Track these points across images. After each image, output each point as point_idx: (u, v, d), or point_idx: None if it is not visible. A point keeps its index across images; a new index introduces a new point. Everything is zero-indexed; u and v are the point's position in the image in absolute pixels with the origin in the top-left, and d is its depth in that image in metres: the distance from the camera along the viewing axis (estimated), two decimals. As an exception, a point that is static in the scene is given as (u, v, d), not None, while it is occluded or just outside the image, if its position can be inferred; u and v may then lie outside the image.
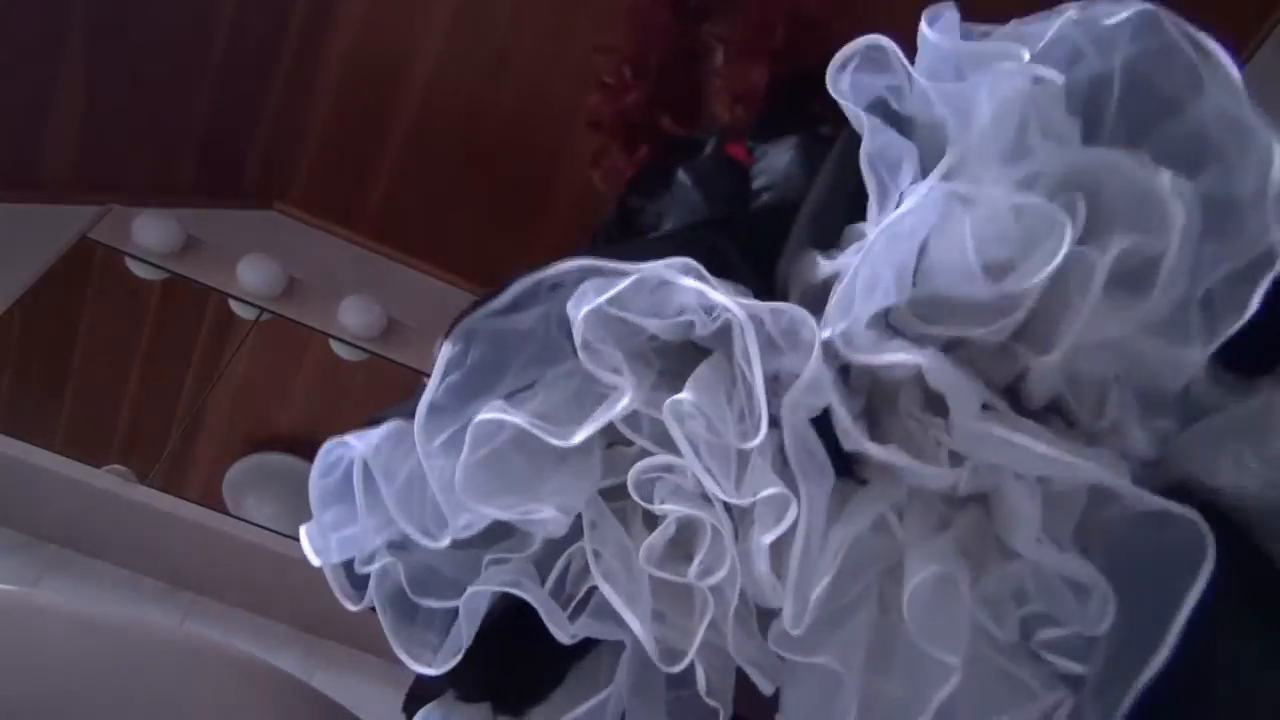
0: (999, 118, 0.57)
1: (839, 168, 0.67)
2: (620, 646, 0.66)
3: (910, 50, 0.60)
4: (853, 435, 0.58)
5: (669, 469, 0.61)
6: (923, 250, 0.58)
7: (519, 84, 2.25)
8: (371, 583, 0.67)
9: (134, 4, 2.01)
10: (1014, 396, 0.60)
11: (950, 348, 0.59)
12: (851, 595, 0.59)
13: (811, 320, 0.58)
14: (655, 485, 0.62)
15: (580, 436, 0.60)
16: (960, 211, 0.56)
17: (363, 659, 1.76)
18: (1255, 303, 0.52)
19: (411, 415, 0.63)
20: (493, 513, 0.62)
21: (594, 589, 0.63)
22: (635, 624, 0.60)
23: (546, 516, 0.62)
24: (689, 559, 0.60)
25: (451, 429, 0.63)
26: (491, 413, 0.61)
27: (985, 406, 0.58)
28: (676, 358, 0.65)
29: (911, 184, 0.59)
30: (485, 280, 2.55)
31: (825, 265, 0.63)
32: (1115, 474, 0.55)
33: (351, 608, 0.68)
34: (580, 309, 0.60)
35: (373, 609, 0.67)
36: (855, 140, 0.61)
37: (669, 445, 0.60)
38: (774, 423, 0.59)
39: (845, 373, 0.62)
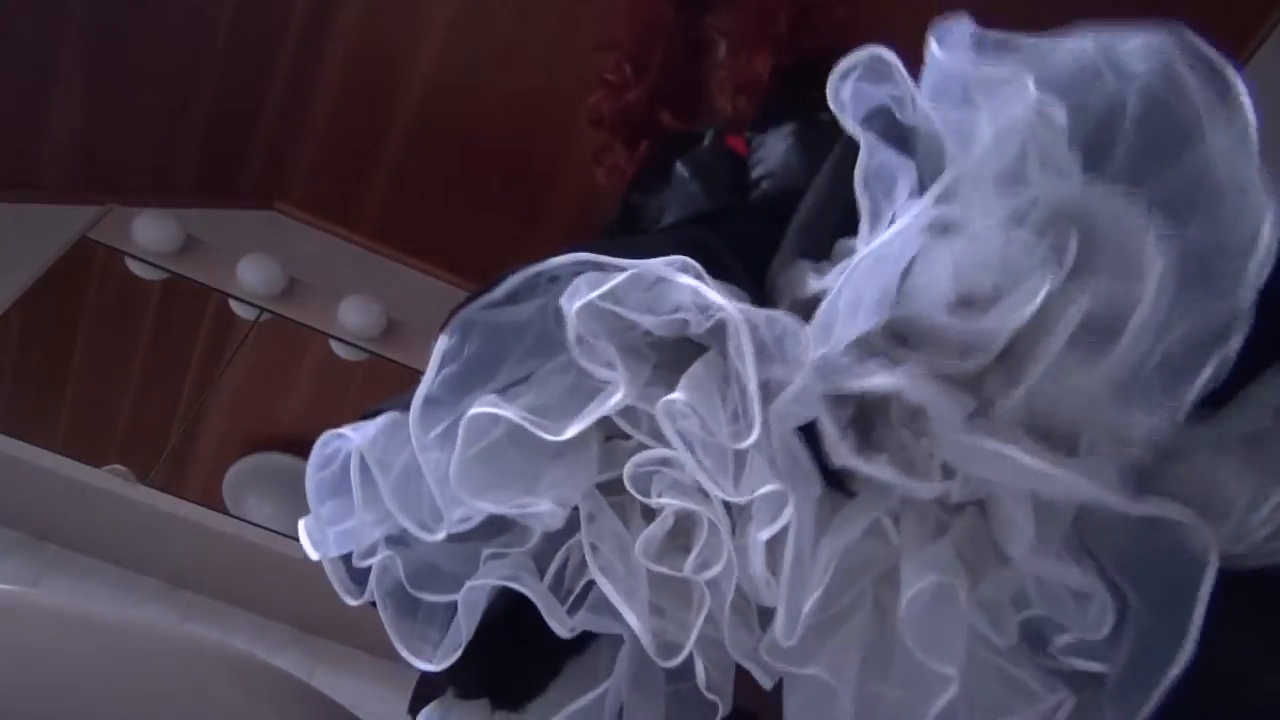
0: (999, 145, 0.56)
1: (833, 179, 0.67)
2: (619, 640, 0.66)
3: (919, 43, 0.60)
4: (840, 451, 0.57)
5: (666, 463, 0.61)
6: (908, 272, 0.57)
7: (519, 83, 2.25)
8: (372, 578, 0.67)
9: (134, 4, 2.01)
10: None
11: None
12: (844, 604, 0.59)
13: (804, 332, 0.58)
14: (652, 479, 0.62)
15: (572, 431, 0.60)
16: (944, 242, 0.56)
17: (363, 659, 1.76)
18: (1208, 372, 0.51)
19: (408, 407, 0.62)
20: (488, 507, 0.62)
21: (593, 582, 0.63)
22: (632, 618, 0.60)
23: (542, 510, 0.62)
24: (687, 551, 0.60)
25: (447, 421, 0.62)
26: (485, 407, 0.61)
27: (971, 418, 0.57)
28: (672, 352, 0.64)
29: (907, 199, 0.59)
30: (485, 280, 2.54)
31: (813, 283, 0.62)
32: (1104, 482, 0.53)
33: (351, 602, 0.68)
34: (574, 303, 0.60)
35: (373, 604, 0.67)
36: (852, 150, 0.61)
37: (666, 440, 0.60)
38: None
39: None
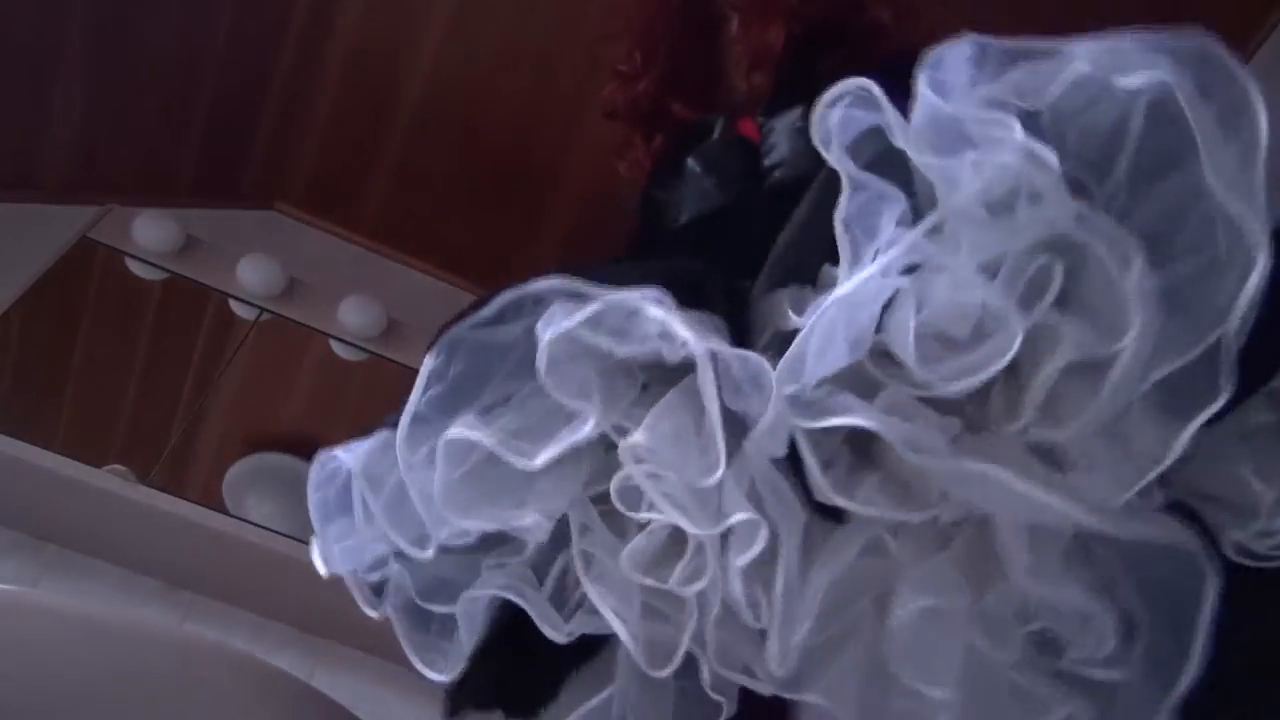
0: (985, 190, 0.56)
1: (816, 210, 0.66)
2: None
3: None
4: (822, 486, 0.57)
5: (655, 476, 0.61)
6: (889, 305, 0.57)
7: (519, 83, 2.25)
8: (387, 591, 0.68)
9: (134, 4, 2.01)
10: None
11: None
12: (840, 628, 0.59)
13: (770, 371, 0.57)
14: (641, 493, 0.62)
15: (543, 458, 0.61)
16: (925, 282, 0.56)
17: (363, 659, 1.76)
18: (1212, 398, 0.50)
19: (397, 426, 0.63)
20: (473, 525, 0.63)
21: None
22: (621, 630, 0.60)
23: (528, 524, 0.63)
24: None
25: (434, 441, 0.63)
26: (461, 430, 0.62)
27: (959, 439, 0.57)
28: (659, 372, 0.65)
29: (894, 230, 0.58)
30: (485, 280, 2.54)
31: (793, 319, 0.62)
32: (1096, 504, 0.53)
33: (373, 614, 0.69)
34: (546, 332, 0.61)
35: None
36: (836, 180, 0.60)
37: None
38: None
39: None
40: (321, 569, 0.68)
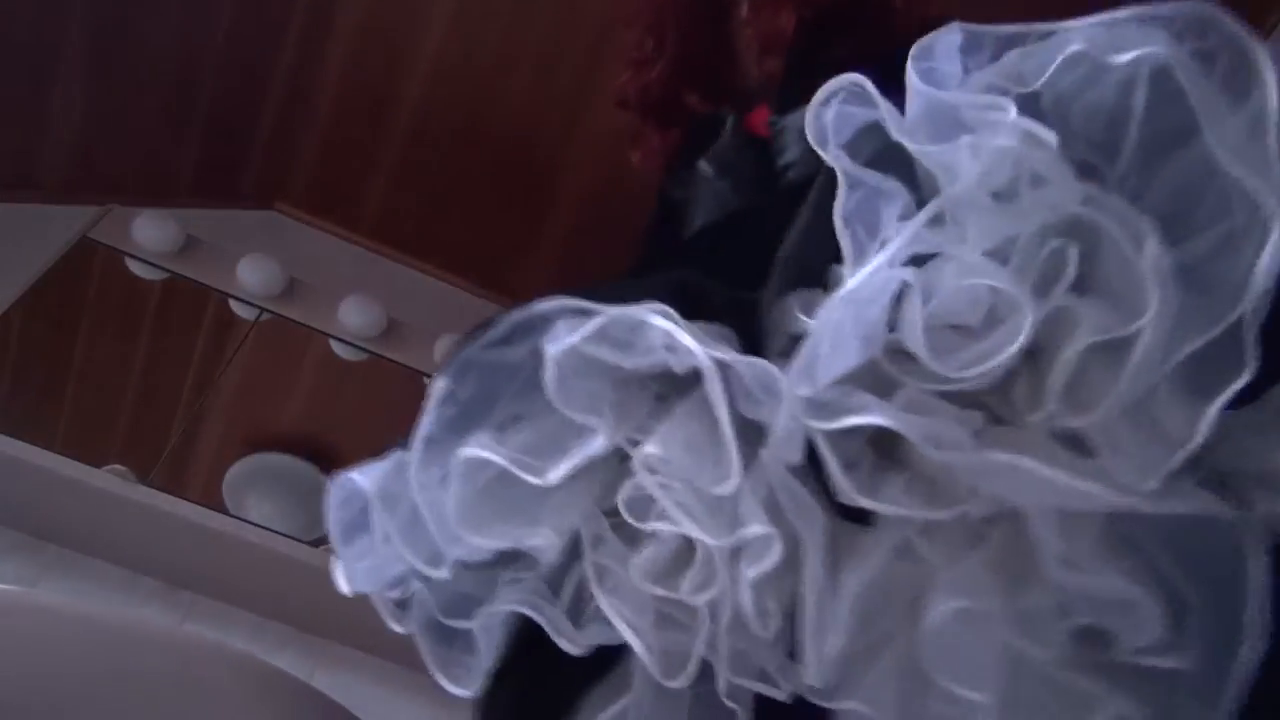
0: (985, 175, 0.56)
1: (817, 211, 0.66)
2: None
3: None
4: (844, 488, 0.56)
5: (666, 485, 0.60)
6: (899, 299, 0.56)
7: (520, 83, 2.25)
8: (411, 607, 0.69)
9: (134, 4, 2.01)
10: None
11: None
12: (876, 634, 0.58)
13: (781, 377, 0.57)
14: (651, 503, 0.62)
15: (557, 475, 0.61)
16: (932, 271, 0.55)
17: (363, 659, 1.76)
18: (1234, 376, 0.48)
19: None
20: (486, 543, 0.64)
21: None
22: (635, 642, 0.60)
23: (540, 543, 0.63)
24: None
25: (446, 462, 0.64)
26: (475, 449, 0.62)
27: (981, 432, 0.56)
28: (673, 383, 0.65)
29: (897, 223, 0.58)
30: (485, 280, 2.56)
31: (803, 322, 0.62)
32: (1127, 485, 0.51)
33: (399, 629, 0.70)
34: (551, 348, 0.61)
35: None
36: (835, 179, 0.60)
37: None
38: None
39: None
40: (345, 588, 0.69)
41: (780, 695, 0.60)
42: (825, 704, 0.58)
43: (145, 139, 2.24)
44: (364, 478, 0.67)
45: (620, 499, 0.62)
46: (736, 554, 0.59)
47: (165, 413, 1.97)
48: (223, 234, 2.27)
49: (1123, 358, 0.51)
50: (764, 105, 1.07)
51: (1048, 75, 0.55)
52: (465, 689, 0.67)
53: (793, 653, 0.60)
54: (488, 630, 0.67)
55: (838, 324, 0.56)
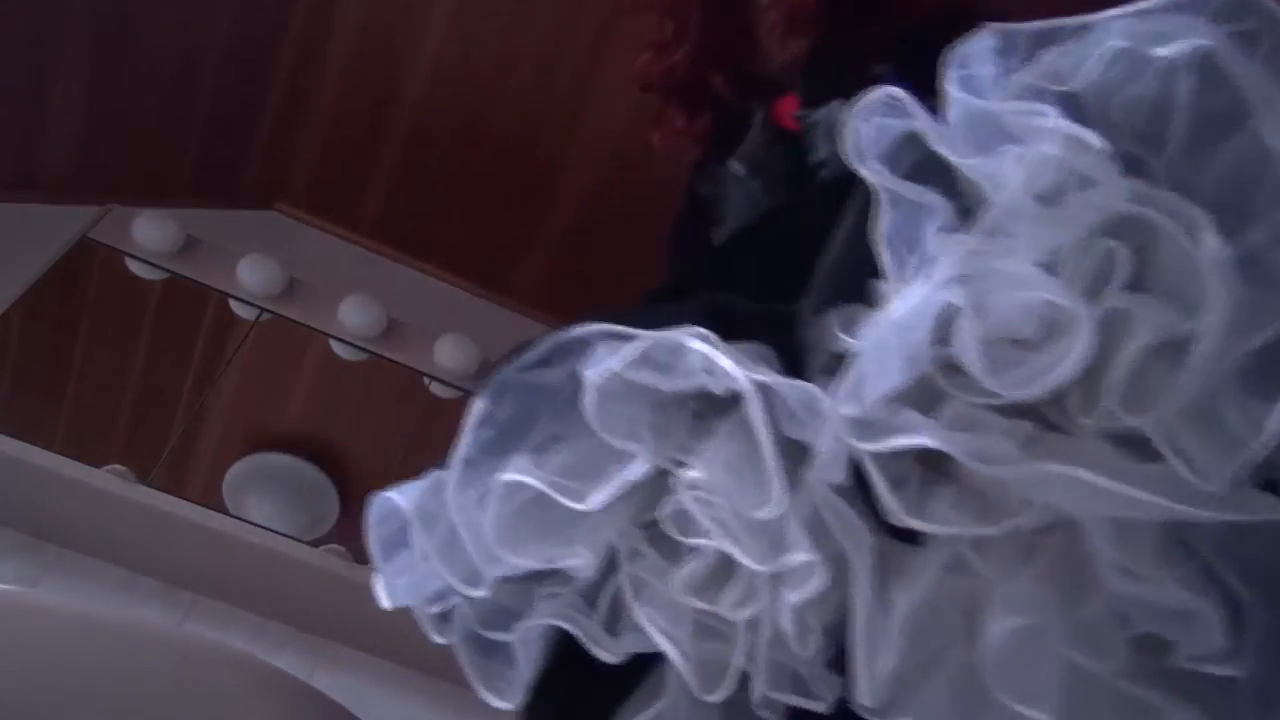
0: (1030, 181, 0.55)
1: (856, 226, 0.65)
2: None
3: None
4: (892, 509, 0.56)
5: (707, 503, 0.60)
6: (950, 316, 0.55)
7: (520, 83, 2.25)
8: (452, 620, 0.70)
9: (134, 3, 2.01)
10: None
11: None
12: (929, 651, 0.57)
13: (823, 398, 0.56)
14: (691, 520, 0.62)
15: (596, 500, 0.62)
16: (981, 285, 0.54)
17: (363, 659, 1.76)
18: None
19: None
20: (525, 563, 0.64)
21: None
22: (673, 653, 0.60)
23: (576, 563, 0.64)
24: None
25: (484, 482, 0.64)
26: (513, 473, 0.63)
27: (1031, 442, 0.54)
28: (712, 403, 0.64)
29: (937, 236, 0.57)
30: (485, 280, 2.56)
31: (845, 340, 0.61)
32: (1184, 492, 0.50)
33: (440, 640, 0.71)
34: (591, 374, 0.61)
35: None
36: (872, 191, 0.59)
37: None
38: None
39: None
40: (386, 603, 0.70)
41: (818, 708, 0.60)
42: None
43: (145, 139, 2.24)
44: (402, 497, 0.68)
45: (665, 513, 0.63)
46: (778, 577, 0.59)
47: (165, 413, 1.97)
48: (223, 234, 2.27)
49: (1182, 355, 0.50)
50: (790, 94, 1.05)
51: (1088, 74, 0.54)
52: (507, 701, 0.68)
53: (832, 664, 0.60)
54: (526, 643, 0.68)
55: (883, 344, 0.55)
